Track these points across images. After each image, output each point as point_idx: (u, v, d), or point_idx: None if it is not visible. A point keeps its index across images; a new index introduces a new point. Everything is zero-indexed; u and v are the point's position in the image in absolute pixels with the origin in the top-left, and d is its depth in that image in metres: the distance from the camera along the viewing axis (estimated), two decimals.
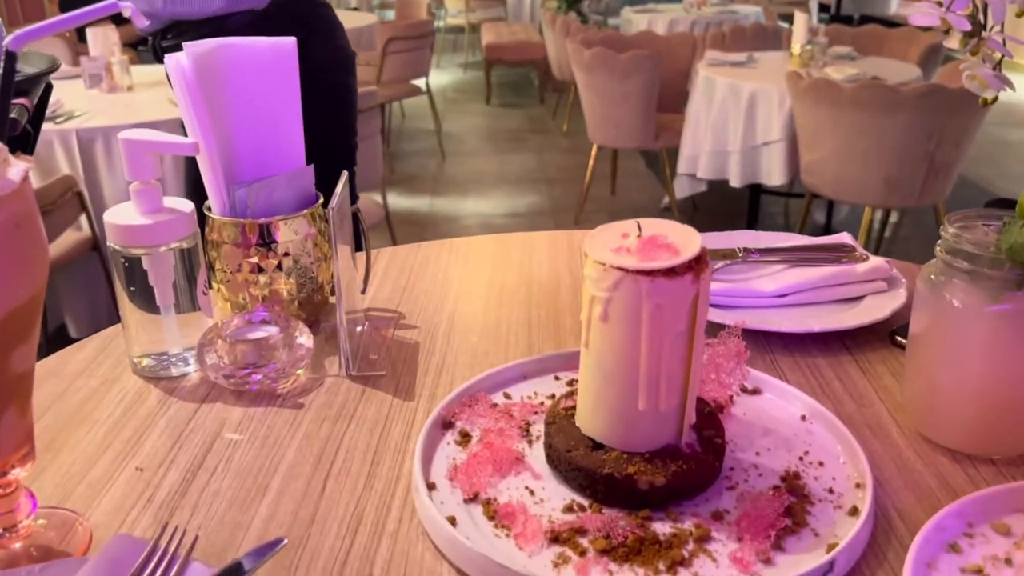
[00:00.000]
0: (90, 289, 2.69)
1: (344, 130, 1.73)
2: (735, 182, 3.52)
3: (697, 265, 0.57)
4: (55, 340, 2.50)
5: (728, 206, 4.18)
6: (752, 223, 3.85)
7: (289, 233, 0.82)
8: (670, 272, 0.56)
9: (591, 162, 4.11)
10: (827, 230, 3.88)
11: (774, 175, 3.38)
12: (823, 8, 7.99)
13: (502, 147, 5.55)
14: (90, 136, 2.60)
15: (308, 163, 0.86)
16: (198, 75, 0.76)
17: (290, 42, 0.81)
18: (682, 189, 3.85)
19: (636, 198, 4.52)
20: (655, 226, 0.59)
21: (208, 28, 1.45)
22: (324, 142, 1.68)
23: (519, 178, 4.87)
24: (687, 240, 0.58)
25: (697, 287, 0.57)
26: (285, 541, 0.54)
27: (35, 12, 6.68)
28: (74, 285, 2.67)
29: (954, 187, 3.09)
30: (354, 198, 2.01)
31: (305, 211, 0.83)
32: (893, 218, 3.89)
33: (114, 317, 1.40)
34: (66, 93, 2.98)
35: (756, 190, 3.74)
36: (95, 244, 2.54)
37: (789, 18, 4.33)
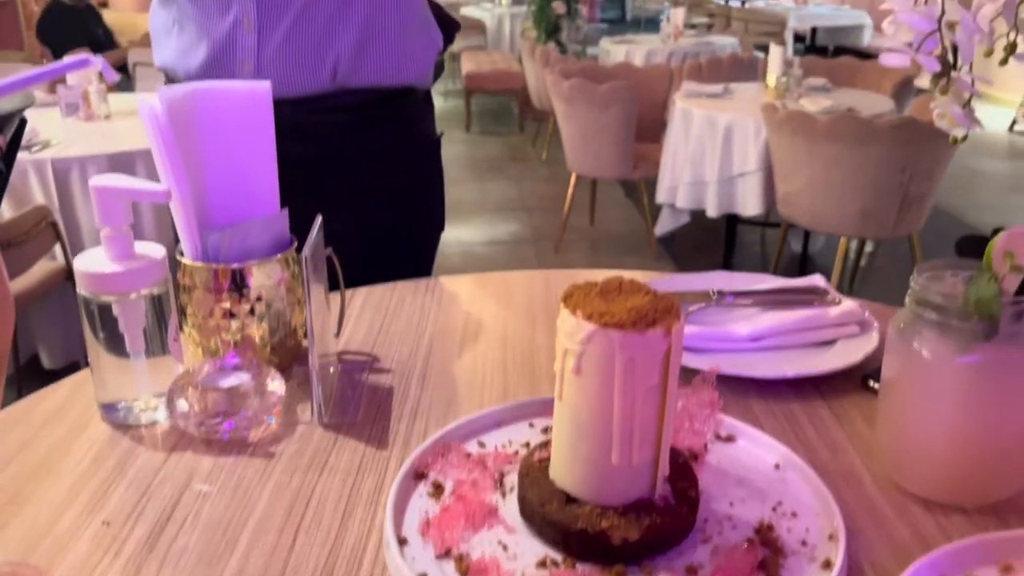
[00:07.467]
0: (64, 319, 2.65)
1: None
2: (712, 212, 3.55)
3: (668, 319, 0.57)
4: (28, 369, 2.47)
5: (705, 235, 4.21)
6: (729, 252, 3.87)
7: (262, 278, 0.81)
8: (641, 326, 0.56)
9: (570, 191, 4.13)
10: (803, 259, 3.92)
11: (750, 205, 3.41)
12: (798, 39, 8.10)
13: (482, 175, 5.57)
14: (65, 166, 2.59)
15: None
16: (172, 120, 0.75)
17: (264, 87, 0.81)
18: (664, 224, 3.86)
19: (615, 227, 4.54)
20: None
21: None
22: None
23: (499, 206, 4.89)
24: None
25: (669, 341, 0.57)
26: None
27: (11, 38, 6.65)
28: (48, 315, 2.64)
29: (928, 217, 3.13)
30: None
31: (278, 255, 0.82)
32: (869, 248, 3.93)
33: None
34: (42, 122, 2.96)
35: (733, 220, 3.77)
36: (69, 274, 2.52)
37: (765, 48, 4.39)
